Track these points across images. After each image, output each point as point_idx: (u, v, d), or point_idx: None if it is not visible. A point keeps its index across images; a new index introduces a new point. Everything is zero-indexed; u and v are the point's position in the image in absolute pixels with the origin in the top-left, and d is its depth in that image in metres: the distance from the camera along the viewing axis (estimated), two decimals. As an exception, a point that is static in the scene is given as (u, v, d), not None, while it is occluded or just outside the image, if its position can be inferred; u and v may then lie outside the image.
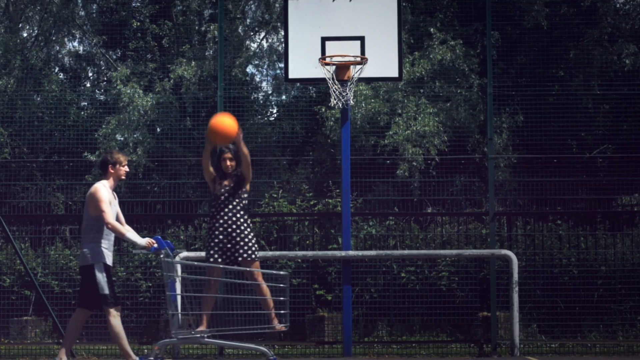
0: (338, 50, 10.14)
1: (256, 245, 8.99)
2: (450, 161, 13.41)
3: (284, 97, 17.79)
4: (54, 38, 17.82)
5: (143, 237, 8.26)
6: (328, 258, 11.72)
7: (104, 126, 15.10)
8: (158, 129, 15.66)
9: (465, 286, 12.04)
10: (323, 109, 14.57)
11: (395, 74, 10.41)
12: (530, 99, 13.83)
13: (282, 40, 14.58)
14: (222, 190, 8.96)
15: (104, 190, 8.16)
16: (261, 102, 17.50)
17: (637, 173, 12.47)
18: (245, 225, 8.93)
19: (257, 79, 18.93)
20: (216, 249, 8.85)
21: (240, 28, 18.08)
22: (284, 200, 13.17)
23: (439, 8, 16.02)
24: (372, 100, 14.18)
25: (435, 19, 15.51)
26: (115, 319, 8.18)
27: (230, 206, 8.91)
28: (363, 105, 14.05)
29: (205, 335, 8.17)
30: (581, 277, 11.83)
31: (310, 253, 11.00)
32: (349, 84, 10.08)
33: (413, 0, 16.35)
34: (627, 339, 11.52)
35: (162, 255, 8.17)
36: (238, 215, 8.90)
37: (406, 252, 11.21)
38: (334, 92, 10.05)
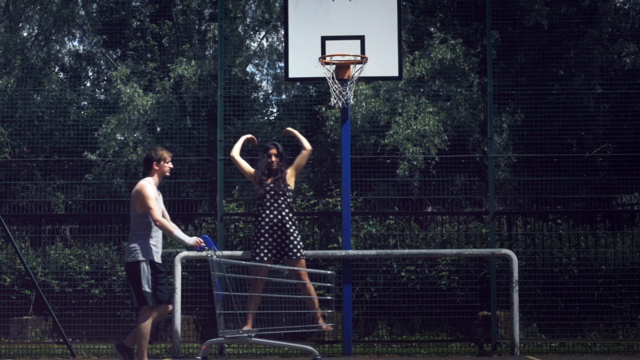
0: (338, 50, 10.14)
1: (302, 244, 8.98)
2: (450, 160, 13.41)
3: (284, 96, 17.80)
4: (54, 37, 17.82)
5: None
6: (328, 257, 11.71)
7: (104, 125, 15.10)
8: (158, 129, 15.66)
9: (466, 285, 12.04)
10: (323, 109, 14.57)
11: (396, 73, 10.41)
12: (531, 98, 13.83)
13: (282, 39, 14.58)
14: (267, 188, 8.93)
15: (149, 187, 8.09)
16: (261, 101, 17.50)
17: (637, 172, 12.47)
18: (290, 223, 8.92)
19: (257, 78, 18.94)
20: (262, 247, 8.85)
21: (240, 27, 18.08)
22: (284, 200, 13.15)
23: (439, 7, 16.01)
24: (373, 100, 14.17)
25: (436, 19, 15.51)
26: (147, 320, 8.07)
27: (276, 204, 8.92)
28: (363, 104, 14.05)
29: (253, 335, 8.16)
30: (581, 277, 11.83)
31: (310, 252, 10.98)
32: (349, 83, 10.08)
33: (413, -1, 16.36)
34: (627, 338, 11.51)
35: (209, 255, 8.14)
36: (283, 214, 8.90)
37: (406, 251, 11.20)
38: (334, 91, 10.05)
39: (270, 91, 18.04)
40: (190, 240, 8.07)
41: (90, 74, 18.41)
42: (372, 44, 10.24)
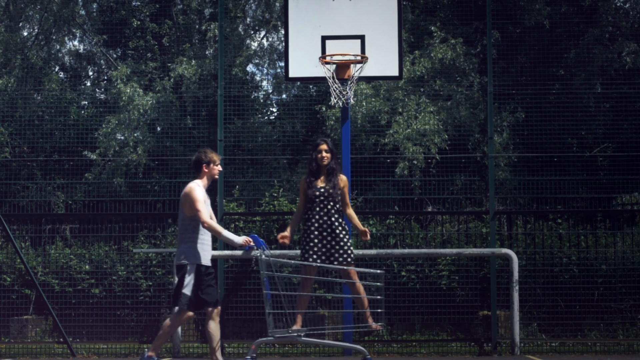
0: (338, 49, 10.14)
1: (352, 249, 8.92)
2: (450, 160, 13.40)
3: (284, 96, 17.79)
4: (54, 37, 17.82)
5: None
6: (328, 257, 11.71)
7: (104, 125, 15.10)
8: (158, 128, 15.66)
9: (466, 285, 12.04)
10: (323, 108, 14.57)
11: (396, 73, 10.41)
12: (531, 97, 13.82)
13: (283, 39, 14.58)
14: (317, 193, 8.87)
15: (198, 189, 8.08)
16: (261, 101, 17.49)
17: (637, 172, 12.47)
18: (340, 228, 8.85)
19: (258, 78, 18.94)
20: (311, 252, 8.81)
21: (240, 27, 18.08)
22: (284, 199, 13.16)
23: (439, 7, 16.01)
24: (373, 99, 14.17)
25: (436, 18, 15.50)
26: (177, 321, 8.03)
27: (325, 210, 8.84)
28: (364, 104, 14.04)
29: (302, 334, 8.16)
30: (581, 276, 11.83)
31: (310, 252, 10.98)
32: (349, 82, 10.08)
33: (413, -1, 16.36)
34: (627, 338, 11.51)
35: (258, 254, 8.13)
36: (333, 219, 8.83)
37: (406, 251, 11.20)
38: (334, 91, 10.04)
39: (270, 91, 18.04)
40: (240, 239, 8.05)
41: (90, 73, 18.42)
42: (372, 43, 10.24)
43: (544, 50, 14.81)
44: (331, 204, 8.84)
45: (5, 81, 15.45)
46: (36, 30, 18.25)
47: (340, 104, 10.13)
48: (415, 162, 13.85)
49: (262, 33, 18.91)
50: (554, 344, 11.22)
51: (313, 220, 8.83)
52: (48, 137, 14.75)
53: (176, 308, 8.12)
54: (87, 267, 12.45)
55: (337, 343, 9.22)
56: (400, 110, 14.32)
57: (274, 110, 17.48)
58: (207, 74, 15.62)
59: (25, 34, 18.32)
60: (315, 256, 8.78)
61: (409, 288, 12.02)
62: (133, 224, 12.35)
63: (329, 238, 8.80)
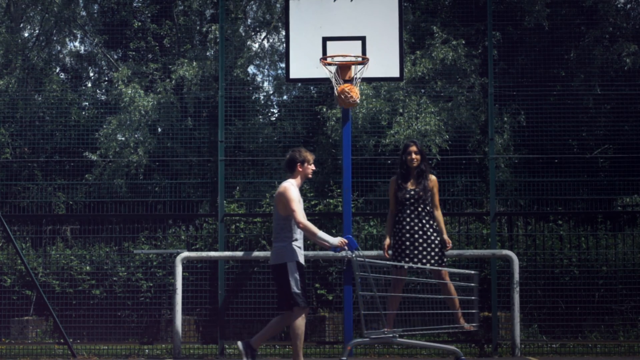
0: (339, 50, 10.13)
1: (443, 251, 8.93)
2: (451, 161, 13.40)
3: (285, 97, 17.79)
4: (55, 38, 17.83)
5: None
6: (329, 258, 11.72)
7: (105, 126, 15.10)
8: (159, 129, 15.67)
9: (466, 286, 12.01)
10: (324, 109, 14.57)
11: (397, 74, 10.39)
12: (532, 99, 13.82)
13: (283, 40, 14.58)
14: (407, 195, 8.86)
15: (293, 189, 8.06)
16: (262, 102, 17.50)
17: (638, 173, 12.47)
18: (431, 231, 8.87)
19: (259, 79, 18.94)
20: (403, 255, 8.84)
21: (241, 28, 18.08)
22: (285, 200, 13.14)
23: (440, 8, 16.01)
24: (374, 100, 14.17)
25: (437, 19, 15.50)
26: (300, 320, 8.02)
27: (416, 212, 8.86)
28: (364, 104, 14.04)
29: (397, 335, 8.16)
30: (582, 278, 11.83)
31: (311, 253, 11.00)
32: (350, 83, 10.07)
33: (415, 0, 16.34)
34: (628, 339, 11.51)
35: (353, 255, 8.13)
36: (424, 221, 8.85)
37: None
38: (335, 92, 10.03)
39: (271, 92, 18.04)
40: (335, 240, 8.03)
41: (91, 74, 18.42)
42: (373, 44, 10.23)
43: (544, 52, 14.82)
44: (422, 206, 8.89)
45: (6, 82, 15.46)
46: (37, 31, 18.25)
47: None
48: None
49: (263, 34, 18.92)
50: (554, 345, 11.22)
51: (404, 223, 8.87)
52: (49, 138, 14.75)
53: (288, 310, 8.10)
54: (87, 268, 12.46)
55: (433, 344, 9.22)
56: (401, 110, 14.32)
57: (275, 111, 17.49)
58: (208, 75, 15.62)
59: (26, 35, 18.34)
60: (407, 259, 8.82)
61: (410, 289, 12.00)
62: (134, 225, 12.35)
63: (420, 240, 8.85)
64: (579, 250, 12.06)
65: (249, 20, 18.93)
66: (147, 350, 11.23)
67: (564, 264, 12.04)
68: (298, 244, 8.07)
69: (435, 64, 14.52)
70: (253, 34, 18.83)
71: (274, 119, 16.92)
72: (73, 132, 14.81)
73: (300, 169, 8.22)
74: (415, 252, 8.83)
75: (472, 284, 8.50)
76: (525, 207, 13.64)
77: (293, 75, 10.41)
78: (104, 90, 17.33)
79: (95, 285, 12.38)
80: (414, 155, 8.96)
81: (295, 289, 7.93)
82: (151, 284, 12.40)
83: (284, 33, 12.98)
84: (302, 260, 8.09)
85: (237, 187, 13.83)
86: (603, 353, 10.89)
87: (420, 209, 8.88)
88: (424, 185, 8.93)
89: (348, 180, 10.17)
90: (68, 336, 10.97)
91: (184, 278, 10.66)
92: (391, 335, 8.11)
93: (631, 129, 13.84)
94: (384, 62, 10.25)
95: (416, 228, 8.84)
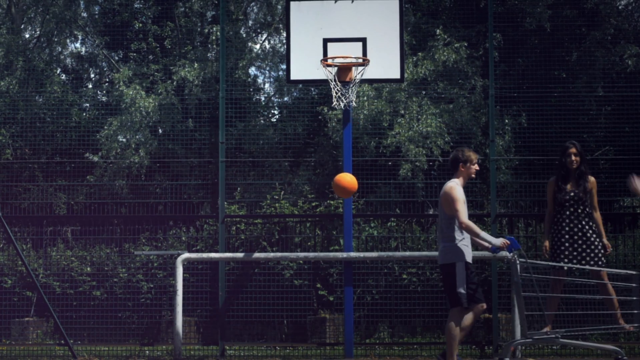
0: (340, 52, 10.14)
1: (602, 252, 8.93)
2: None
3: (286, 98, 17.80)
4: (56, 39, 17.84)
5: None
6: (330, 259, 11.73)
7: (106, 127, 15.11)
8: (160, 130, 15.67)
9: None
10: (325, 109, 14.56)
11: (397, 76, 10.40)
12: (532, 100, 13.81)
13: (284, 41, 14.59)
14: (567, 197, 8.87)
15: (458, 189, 8.05)
16: (263, 103, 17.51)
17: (638, 174, 12.44)
18: (590, 232, 8.89)
19: (260, 81, 18.96)
20: (561, 256, 8.87)
21: (242, 30, 18.09)
22: (285, 202, 13.16)
23: (441, 9, 16.01)
24: (375, 101, 14.17)
25: (438, 21, 15.50)
26: (457, 320, 7.97)
27: (576, 213, 8.88)
28: (366, 105, 14.04)
29: (560, 336, 8.17)
30: (583, 279, 11.79)
31: (311, 254, 11.00)
32: (350, 85, 10.08)
33: (415, 1, 16.34)
34: (628, 341, 11.50)
35: (516, 256, 8.12)
36: (583, 223, 8.87)
37: (408, 253, 11.19)
38: (336, 93, 10.04)
39: (272, 93, 18.05)
40: (498, 241, 7.99)
41: (92, 75, 18.43)
42: (374, 46, 10.23)
43: (545, 53, 14.81)
44: (581, 207, 8.91)
45: (7, 83, 15.47)
46: (38, 32, 18.27)
47: (342, 106, 10.13)
48: (417, 164, 13.85)
49: (264, 36, 18.92)
50: (555, 347, 11.21)
51: (564, 224, 8.89)
52: (50, 139, 14.76)
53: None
54: (88, 269, 12.45)
55: (594, 344, 9.22)
56: (402, 112, 14.31)
57: (276, 112, 17.50)
58: (209, 77, 15.63)
59: (27, 36, 18.35)
60: (566, 260, 8.84)
61: (410, 291, 12.01)
62: (134, 226, 12.35)
63: (579, 242, 8.87)
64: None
65: (250, 22, 18.95)
66: (147, 352, 11.23)
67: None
68: (465, 242, 8.03)
69: (437, 65, 14.52)
70: (254, 35, 18.84)
71: (275, 120, 16.93)
72: (74, 133, 14.82)
73: (463, 169, 8.22)
74: (575, 253, 8.87)
75: (633, 284, 8.51)
76: (526, 208, 13.62)
77: (294, 76, 10.42)
78: (105, 92, 17.34)
79: (95, 286, 12.38)
80: (573, 157, 8.99)
81: (461, 289, 7.91)
82: (152, 285, 12.39)
83: (284, 34, 12.98)
84: (469, 259, 8.06)
85: (238, 189, 13.83)
86: (603, 355, 10.87)
87: (580, 210, 8.92)
88: (584, 187, 8.97)
89: (349, 182, 10.17)
90: (69, 337, 10.96)
91: (184, 279, 10.66)
92: (554, 335, 8.12)
93: (632, 131, 13.83)
94: (385, 63, 10.26)
95: (575, 229, 8.88)
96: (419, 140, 13.88)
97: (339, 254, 10.52)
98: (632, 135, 13.76)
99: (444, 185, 8.14)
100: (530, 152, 13.79)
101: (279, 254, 10.95)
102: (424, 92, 14.76)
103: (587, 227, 8.91)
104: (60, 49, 18.17)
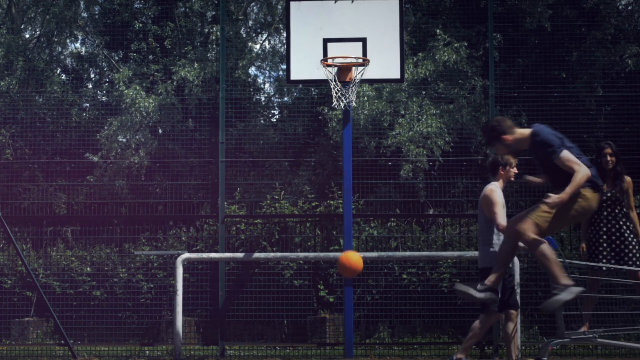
0: (340, 52, 10.14)
1: None
2: (452, 163, 13.40)
3: (286, 98, 17.80)
4: (56, 39, 17.84)
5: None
6: (330, 259, 11.72)
7: (106, 127, 15.11)
8: (160, 130, 15.67)
9: (467, 288, 12.01)
10: (325, 109, 14.57)
11: (397, 76, 10.39)
12: (533, 100, 13.81)
13: (284, 41, 14.59)
14: (604, 197, 8.87)
15: (498, 192, 8.09)
16: (263, 103, 17.51)
17: (639, 175, 12.44)
18: (628, 232, 8.90)
19: (260, 81, 18.97)
20: (600, 257, 8.89)
21: (242, 30, 18.09)
22: (285, 202, 13.17)
23: (441, 9, 16.01)
24: (375, 101, 14.17)
25: (438, 21, 15.50)
26: (487, 322, 8.03)
27: (613, 214, 8.89)
28: (366, 105, 14.04)
29: (597, 336, 8.18)
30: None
31: (311, 254, 11.00)
32: (351, 85, 10.07)
33: (415, 1, 16.34)
34: (628, 341, 11.49)
35: None
36: (621, 223, 8.87)
37: (408, 253, 11.19)
38: (336, 93, 10.04)
39: (272, 93, 18.05)
40: None
41: (92, 75, 18.43)
42: (374, 46, 10.23)
43: (545, 53, 14.80)
44: (618, 207, 8.92)
45: (7, 83, 15.47)
46: (38, 32, 18.27)
47: (342, 106, 10.12)
48: (418, 164, 13.85)
49: (264, 36, 18.93)
50: (555, 347, 11.20)
51: (601, 225, 8.91)
52: (50, 139, 14.76)
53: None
54: (88, 269, 12.46)
55: (633, 344, 9.21)
56: (402, 112, 14.31)
57: (276, 112, 17.50)
58: (209, 77, 15.63)
59: (28, 36, 18.35)
60: (605, 260, 8.85)
61: (410, 291, 12.01)
62: (134, 226, 12.35)
63: (617, 242, 8.89)
64: (579, 251, 12.04)
65: (250, 22, 18.95)
66: (147, 352, 11.23)
67: (565, 265, 12.01)
68: None
69: (437, 65, 14.51)
70: (254, 35, 18.84)
71: (275, 120, 16.93)
72: (74, 134, 14.82)
73: (503, 172, 8.29)
74: (612, 253, 8.88)
75: None
76: (526, 209, 13.61)
77: (294, 76, 10.42)
78: (105, 92, 17.34)
79: (95, 286, 12.38)
80: (609, 158, 9.00)
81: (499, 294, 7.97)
82: (152, 285, 12.40)
83: (284, 34, 12.98)
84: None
85: (238, 189, 13.84)
86: (603, 354, 10.87)
87: (617, 211, 8.93)
88: (620, 187, 8.98)
89: (349, 182, 10.18)
90: (68, 337, 10.97)
91: (184, 279, 10.66)
92: (591, 335, 8.14)
93: (632, 131, 13.83)
94: (385, 63, 10.25)
95: (613, 230, 8.90)
96: (420, 140, 13.87)
97: (339, 254, 10.52)
98: (632, 135, 13.76)
99: (484, 188, 8.20)
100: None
101: (279, 254, 10.95)
102: (424, 92, 14.75)
103: (624, 227, 8.93)
104: (60, 49, 18.17)
